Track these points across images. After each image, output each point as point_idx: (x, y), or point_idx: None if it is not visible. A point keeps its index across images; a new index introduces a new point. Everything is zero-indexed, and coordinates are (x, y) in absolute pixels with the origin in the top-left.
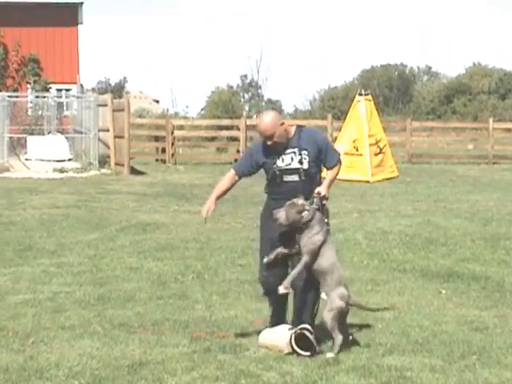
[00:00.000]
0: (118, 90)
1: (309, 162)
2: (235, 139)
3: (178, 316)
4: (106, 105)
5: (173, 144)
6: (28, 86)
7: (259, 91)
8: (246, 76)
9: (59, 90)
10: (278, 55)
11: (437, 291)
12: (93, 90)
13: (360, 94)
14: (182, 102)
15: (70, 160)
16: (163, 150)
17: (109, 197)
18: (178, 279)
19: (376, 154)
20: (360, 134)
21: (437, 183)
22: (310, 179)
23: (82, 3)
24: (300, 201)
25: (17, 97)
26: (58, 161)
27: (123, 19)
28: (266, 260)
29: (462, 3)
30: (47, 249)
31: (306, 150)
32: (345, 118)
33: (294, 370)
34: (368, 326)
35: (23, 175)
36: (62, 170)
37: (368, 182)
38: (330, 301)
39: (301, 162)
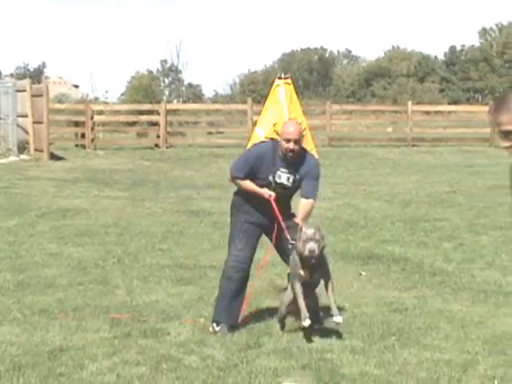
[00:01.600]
0: (37, 76)
1: (295, 184)
2: (155, 124)
3: (98, 301)
4: (24, 90)
5: (92, 129)
6: None
7: (179, 76)
8: (165, 61)
9: None
10: (199, 40)
11: (357, 273)
12: (11, 75)
13: (279, 78)
14: (101, 87)
15: None
16: (83, 136)
17: (28, 183)
18: (98, 265)
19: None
20: (280, 117)
21: (356, 166)
22: (290, 195)
23: None
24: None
25: None
26: None
27: (41, 3)
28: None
29: None
30: None
31: (300, 176)
32: (265, 102)
33: (215, 354)
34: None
35: None
36: None
37: None
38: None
39: (292, 183)
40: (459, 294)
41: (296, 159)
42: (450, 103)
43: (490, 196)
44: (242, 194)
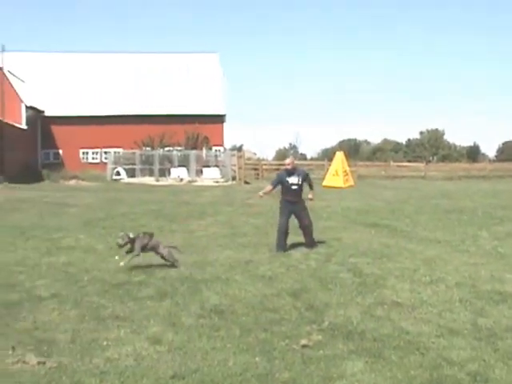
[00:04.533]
0: (239, 148)
1: (301, 180)
2: None
3: None
4: (234, 154)
5: (260, 171)
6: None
7: None
8: None
9: None
10: None
11: (369, 232)
12: (225, 148)
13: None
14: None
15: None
16: (257, 174)
17: (235, 192)
18: None
19: (345, 176)
20: (339, 168)
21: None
22: (301, 188)
23: None
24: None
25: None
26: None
27: None
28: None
29: None
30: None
31: (300, 176)
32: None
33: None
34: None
35: (200, 184)
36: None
37: (341, 187)
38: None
39: (298, 180)
40: None
41: (293, 171)
42: None
43: None
44: (283, 195)
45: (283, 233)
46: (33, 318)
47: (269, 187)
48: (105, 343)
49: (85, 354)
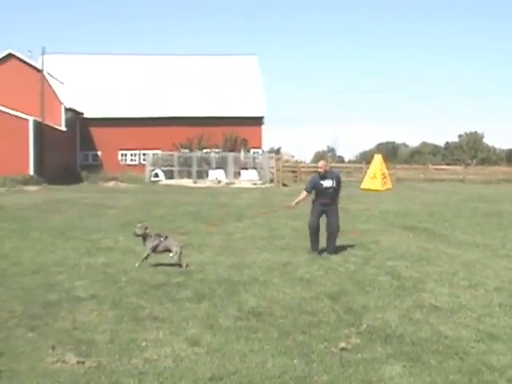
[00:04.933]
0: (277, 151)
1: (335, 184)
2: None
3: None
4: (272, 157)
5: (298, 173)
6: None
7: None
8: None
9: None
10: None
11: (407, 235)
12: (263, 151)
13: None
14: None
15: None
16: (296, 176)
17: (273, 195)
18: None
19: (383, 179)
20: (377, 171)
21: (407, 191)
22: (336, 190)
23: None
24: None
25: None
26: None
27: None
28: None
29: None
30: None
31: (334, 179)
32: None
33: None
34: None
35: (238, 186)
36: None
37: (379, 190)
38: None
39: (333, 184)
40: None
41: (327, 174)
42: None
43: None
44: (316, 198)
45: (314, 232)
46: (72, 318)
47: (303, 194)
48: (143, 344)
49: (123, 354)
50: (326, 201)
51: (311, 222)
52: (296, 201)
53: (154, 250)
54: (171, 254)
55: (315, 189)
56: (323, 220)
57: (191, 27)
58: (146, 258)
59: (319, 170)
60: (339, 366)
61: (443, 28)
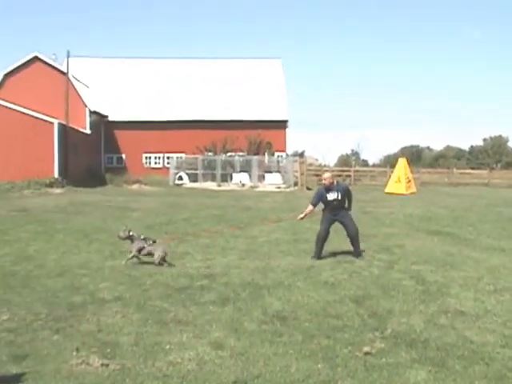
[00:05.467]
0: (301, 154)
1: (340, 196)
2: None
3: None
4: (296, 160)
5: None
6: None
7: None
8: None
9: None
10: None
11: (432, 240)
12: (287, 154)
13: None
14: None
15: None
16: (320, 179)
17: (298, 198)
18: None
19: (407, 182)
20: (401, 174)
21: (430, 195)
22: (341, 202)
23: None
24: None
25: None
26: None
27: None
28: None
29: None
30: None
31: (340, 192)
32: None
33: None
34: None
35: (262, 189)
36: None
37: (404, 194)
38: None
39: (337, 196)
40: None
41: (332, 187)
42: None
43: None
44: (324, 209)
45: (320, 239)
46: (96, 320)
47: (309, 207)
48: (167, 347)
49: (148, 357)
50: (331, 213)
51: (320, 232)
52: (302, 215)
53: (139, 251)
54: (153, 258)
55: (321, 201)
56: (336, 229)
57: (216, 31)
58: (132, 258)
59: (323, 182)
60: (363, 371)
61: (470, 30)
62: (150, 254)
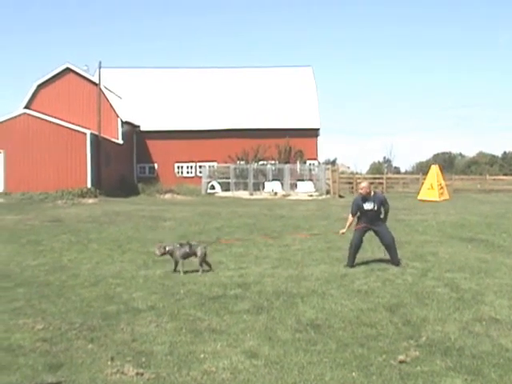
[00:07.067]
0: (333, 162)
1: (377, 207)
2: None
3: None
4: (328, 168)
5: (354, 184)
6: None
7: None
8: None
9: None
10: None
11: (465, 247)
12: (319, 162)
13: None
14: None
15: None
16: (352, 187)
17: (330, 207)
18: None
19: (440, 189)
20: (434, 181)
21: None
22: (377, 213)
23: None
24: None
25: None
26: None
27: None
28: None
29: None
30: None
31: (376, 202)
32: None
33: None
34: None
35: (295, 197)
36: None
37: (437, 200)
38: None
39: (374, 207)
40: None
41: (368, 196)
42: None
43: None
44: (359, 219)
45: (353, 247)
46: (131, 329)
47: (350, 218)
48: (202, 356)
49: (182, 366)
50: (366, 223)
51: (353, 240)
52: (345, 228)
53: (185, 258)
54: (197, 257)
55: (359, 210)
56: (369, 237)
57: (248, 40)
58: (182, 265)
59: (360, 191)
60: (398, 379)
61: (508, 37)
62: (195, 254)
